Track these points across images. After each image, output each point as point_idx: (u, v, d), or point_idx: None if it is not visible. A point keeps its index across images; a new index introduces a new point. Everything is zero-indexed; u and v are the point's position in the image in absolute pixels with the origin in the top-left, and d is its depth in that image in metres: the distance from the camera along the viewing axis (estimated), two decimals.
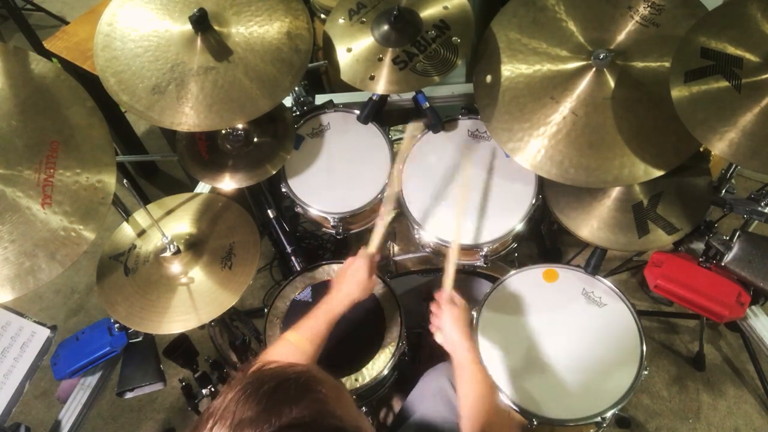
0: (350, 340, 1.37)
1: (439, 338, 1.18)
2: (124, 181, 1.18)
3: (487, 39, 1.40)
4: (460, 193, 1.42)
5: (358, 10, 1.45)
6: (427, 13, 1.41)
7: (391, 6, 1.39)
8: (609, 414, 1.17)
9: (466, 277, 1.62)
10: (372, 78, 1.37)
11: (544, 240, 2.19)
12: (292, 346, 1.08)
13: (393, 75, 1.37)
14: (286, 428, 0.53)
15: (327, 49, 1.45)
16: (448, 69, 1.35)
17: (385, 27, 1.38)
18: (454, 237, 1.33)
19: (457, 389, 1.10)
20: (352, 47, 1.42)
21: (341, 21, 1.46)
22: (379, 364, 1.33)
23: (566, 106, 1.26)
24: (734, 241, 1.20)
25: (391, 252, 1.65)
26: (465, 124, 1.55)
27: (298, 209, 1.53)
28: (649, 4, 1.29)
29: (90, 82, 1.21)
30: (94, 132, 1.15)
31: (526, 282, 1.40)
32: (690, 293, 1.23)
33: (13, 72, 1.12)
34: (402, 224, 1.68)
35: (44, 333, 1.28)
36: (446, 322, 1.16)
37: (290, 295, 1.48)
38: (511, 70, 1.34)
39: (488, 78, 1.35)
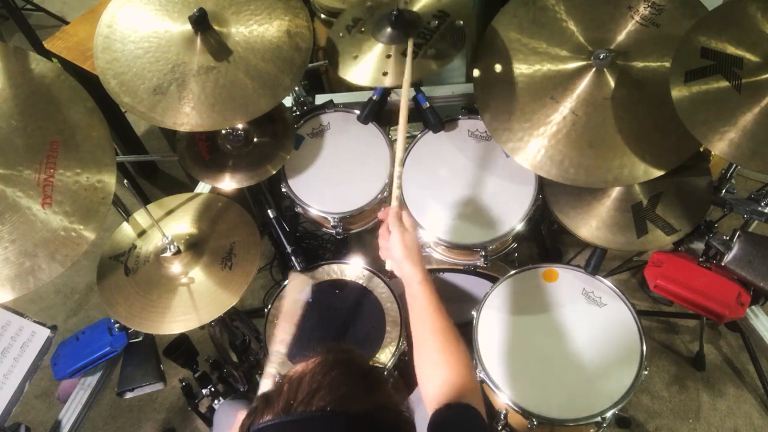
0: (350, 340, 1.37)
1: (389, 265, 1.05)
2: (125, 181, 1.18)
3: (489, 36, 1.39)
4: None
5: (355, 24, 1.45)
6: (424, 8, 1.41)
7: (388, 10, 1.38)
8: (609, 414, 1.17)
9: (466, 277, 1.62)
10: (385, 74, 1.35)
11: (544, 240, 2.19)
12: None
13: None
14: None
15: (333, 60, 1.43)
16: (457, 51, 1.33)
17: (387, 29, 1.38)
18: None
19: (411, 325, 0.99)
20: (358, 54, 1.40)
21: (341, 36, 1.45)
22: (379, 364, 1.33)
23: (566, 106, 1.26)
24: (734, 241, 1.20)
25: None
26: (465, 124, 1.55)
27: (298, 209, 1.53)
28: (649, 4, 1.29)
29: (90, 82, 1.21)
30: (94, 132, 1.14)
31: (526, 282, 1.40)
32: (690, 293, 1.23)
33: (13, 72, 1.12)
34: None
35: (44, 333, 1.28)
36: (395, 249, 1.01)
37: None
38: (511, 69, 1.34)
39: (497, 67, 1.34)
